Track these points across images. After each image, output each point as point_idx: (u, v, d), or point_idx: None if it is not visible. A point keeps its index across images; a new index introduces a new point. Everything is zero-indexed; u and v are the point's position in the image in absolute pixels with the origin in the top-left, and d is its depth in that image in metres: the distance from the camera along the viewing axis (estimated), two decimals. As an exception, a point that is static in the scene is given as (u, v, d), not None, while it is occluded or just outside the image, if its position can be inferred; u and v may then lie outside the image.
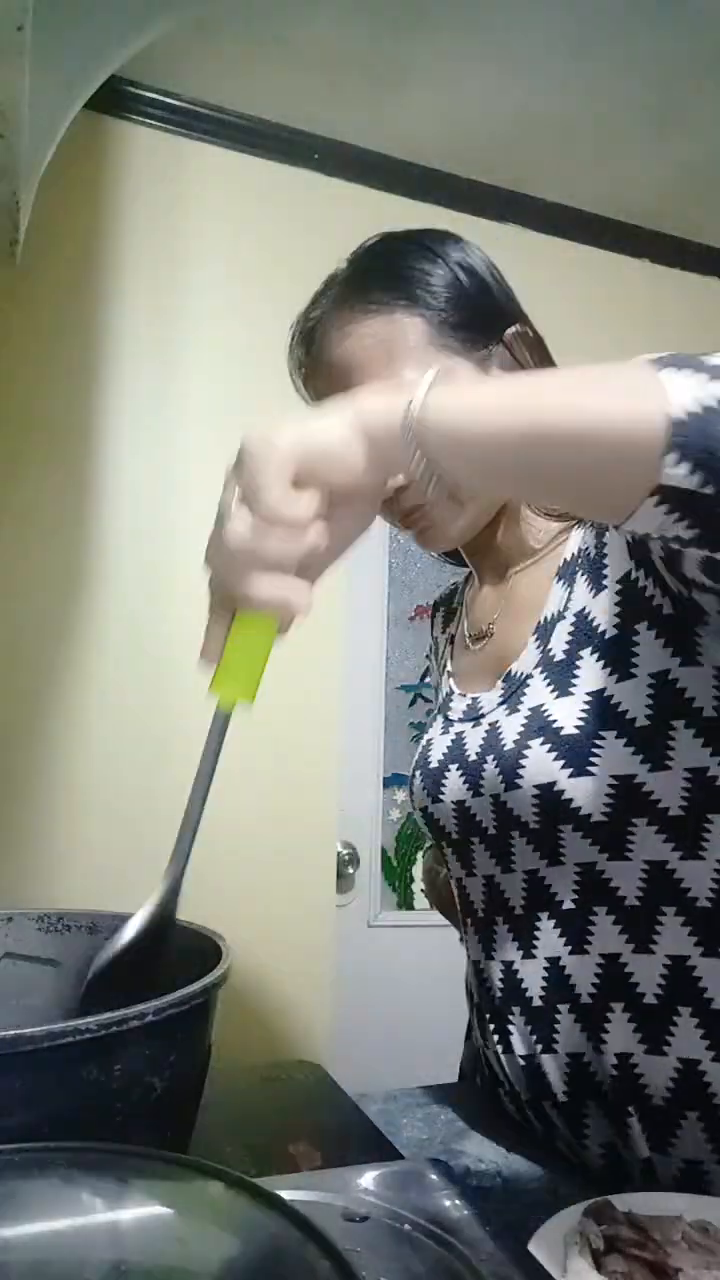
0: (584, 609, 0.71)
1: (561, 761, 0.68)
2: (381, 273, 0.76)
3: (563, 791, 0.67)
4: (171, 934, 0.62)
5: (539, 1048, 0.71)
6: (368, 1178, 0.56)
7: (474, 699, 0.81)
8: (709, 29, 1.58)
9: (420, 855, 1.70)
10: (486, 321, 0.76)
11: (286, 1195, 0.41)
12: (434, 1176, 0.56)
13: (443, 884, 0.98)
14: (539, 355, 0.79)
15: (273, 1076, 0.91)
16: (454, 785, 0.78)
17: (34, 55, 0.96)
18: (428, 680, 2.04)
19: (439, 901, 0.99)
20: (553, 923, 0.71)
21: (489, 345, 0.76)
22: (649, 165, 1.95)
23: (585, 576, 0.72)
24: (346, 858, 1.96)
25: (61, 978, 0.76)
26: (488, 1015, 0.77)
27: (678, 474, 0.43)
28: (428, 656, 1.06)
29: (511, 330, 0.77)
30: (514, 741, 0.72)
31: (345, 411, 0.51)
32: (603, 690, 0.68)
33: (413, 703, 2.09)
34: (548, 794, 0.68)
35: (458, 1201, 0.53)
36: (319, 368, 0.77)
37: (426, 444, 0.49)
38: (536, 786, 0.69)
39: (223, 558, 0.50)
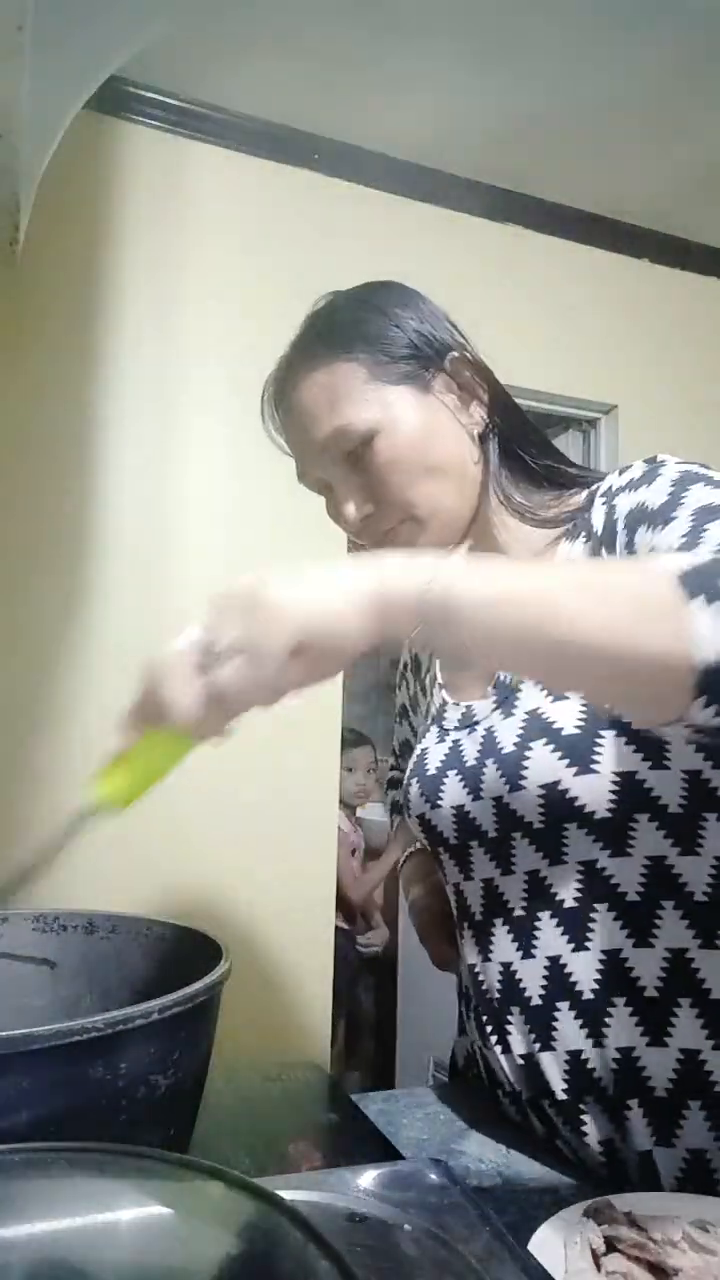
0: None
1: (566, 760, 0.69)
2: (321, 329, 0.81)
3: (567, 790, 0.69)
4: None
5: (537, 1046, 0.72)
6: (368, 1178, 0.56)
7: (468, 707, 0.82)
8: (709, 30, 1.58)
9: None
10: (424, 354, 0.79)
11: (286, 1195, 0.41)
12: (434, 1176, 0.56)
13: (416, 906, 0.98)
14: (480, 375, 0.81)
15: (273, 1076, 0.91)
16: (453, 790, 0.79)
17: (34, 55, 0.96)
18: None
19: (415, 919, 0.99)
20: (554, 921, 0.72)
21: (430, 373, 0.79)
22: (649, 165, 1.95)
23: None
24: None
25: (58, 978, 0.75)
26: (485, 1017, 0.77)
27: (706, 715, 0.47)
28: (403, 675, 1.05)
29: (451, 356, 0.80)
30: (514, 744, 0.73)
31: (362, 580, 0.52)
32: None
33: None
34: (553, 793, 0.70)
35: (458, 1201, 0.53)
36: (286, 421, 0.82)
37: (442, 624, 0.51)
38: (541, 786, 0.70)
39: (185, 684, 0.51)
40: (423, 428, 0.77)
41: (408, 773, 0.87)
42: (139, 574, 1.70)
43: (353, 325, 0.79)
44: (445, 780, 0.80)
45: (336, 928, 1.84)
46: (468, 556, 0.53)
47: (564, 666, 0.53)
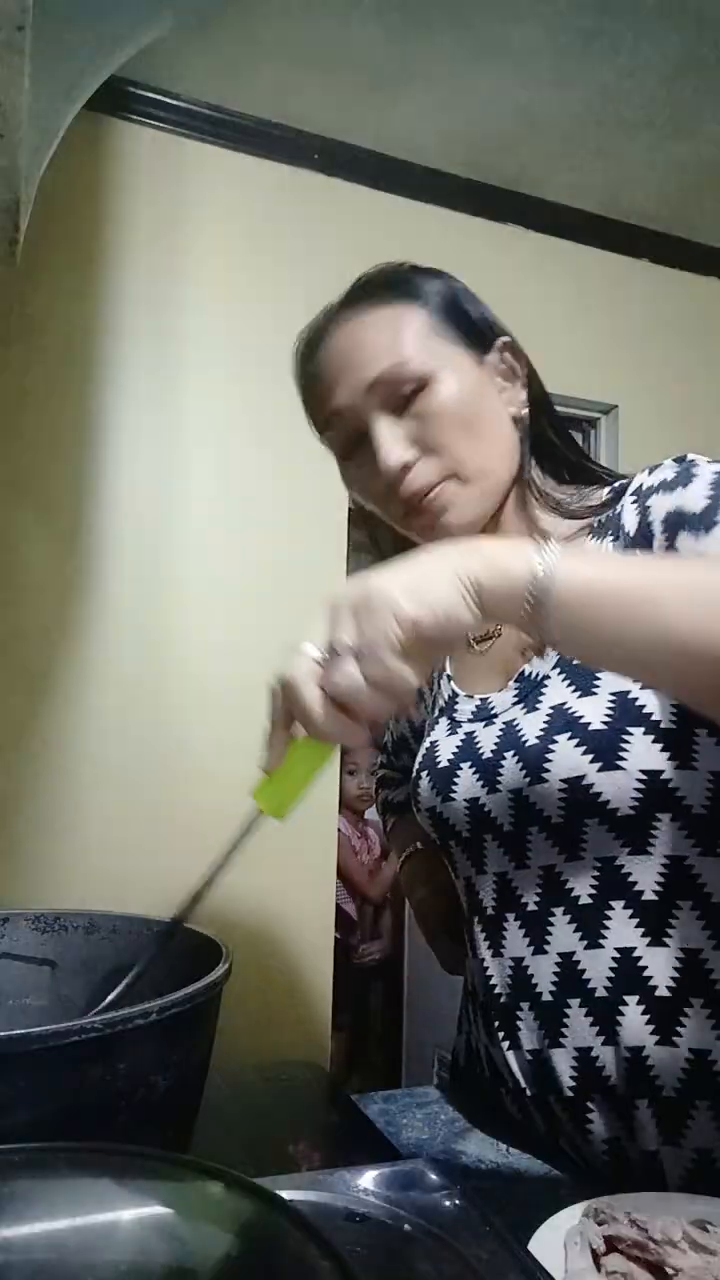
0: None
1: (590, 755, 0.69)
2: (380, 282, 0.80)
3: (591, 785, 0.68)
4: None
5: (546, 1043, 0.72)
6: (368, 1178, 0.56)
7: (483, 700, 0.81)
8: (709, 29, 1.58)
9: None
10: (476, 330, 0.80)
11: (286, 1195, 0.41)
12: (434, 1176, 0.56)
13: (422, 909, 0.98)
14: (525, 365, 0.83)
15: (273, 1076, 0.91)
16: (466, 783, 0.78)
17: (34, 55, 0.96)
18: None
19: (421, 921, 0.98)
20: (568, 918, 0.71)
21: (483, 348, 0.80)
22: (649, 165, 1.95)
23: None
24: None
25: (58, 978, 0.76)
26: (493, 1013, 0.77)
27: None
28: None
29: (502, 340, 0.81)
30: (537, 737, 0.72)
31: (467, 563, 0.52)
32: (627, 692, 0.69)
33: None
34: (575, 787, 0.69)
35: (458, 1201, 0.53)
36: (327, 360, 0.79)
37: (545, 612, 0.51)
38: (564, 780, 0.70)
39: (311, 693, 0.52)
40: (477, 390, 0.77)
41: (416, 766, 0.86)
42: (140, 572, 1.70)
43: (419, 281, 0.80)
44: (459, 773, 0.79)
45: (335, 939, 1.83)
46: (565, 545, 0.53)
47: (660, 662, 0.53)
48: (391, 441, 0.74)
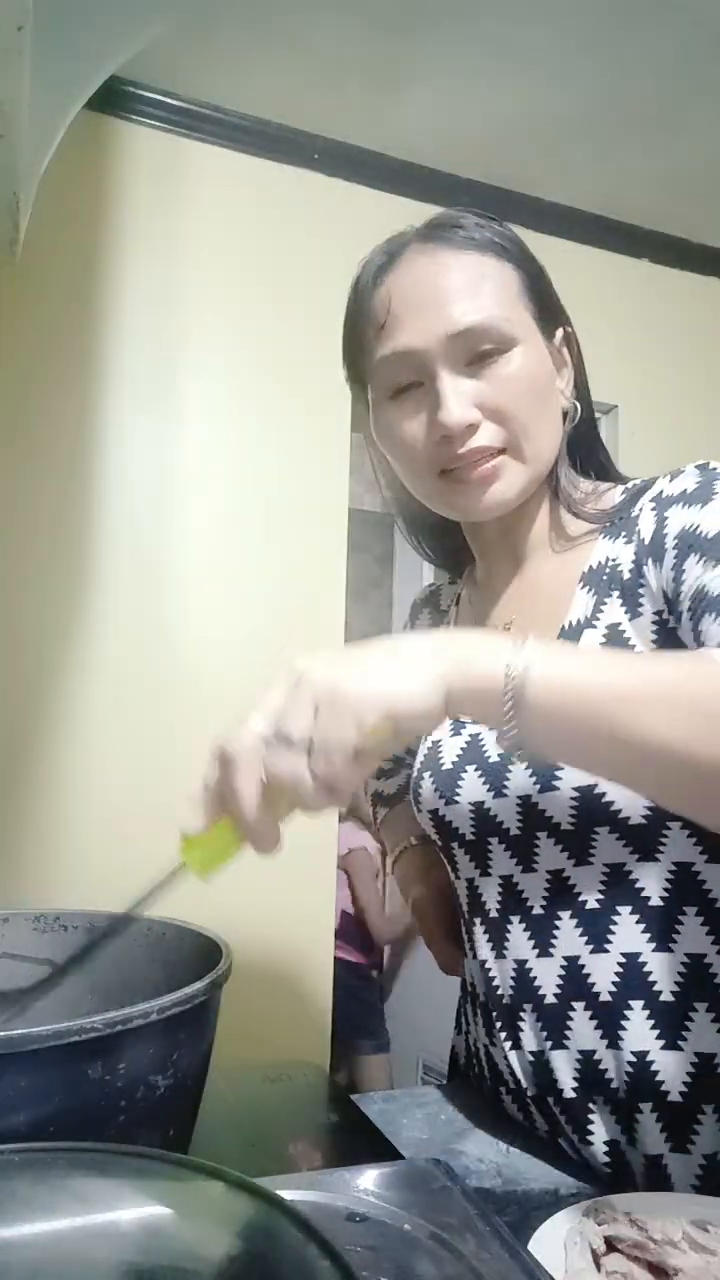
0: (619, 625, 0.71)
1: None
2: (475, 225, 0.78)
3: (604, 794, 0.68)
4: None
5: (549, 1044, 0.72)
6: (368, 1178, 0.56)
7: None
8: (709, 29, 1.58)
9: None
10: (550, 311, 0.78)
11: (286, 1195, 0.41)
12: (434, 1176, 0.56)
13: (419, 908, 0.97)
14: (577, 358, 0.81)
15: (273, 1076, 0.91)
16: (471, 786, 0.78)
17: (34, 55, 0.96)
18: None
19: (418, 921, 0.97)
20: (574, 922, 0.71)
21: (549, 333, 0.78)
22: (649, 165, 1.95)
23: (619, 595, 0.72)
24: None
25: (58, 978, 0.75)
26: (494, 1013, 0.77)
27: None
28: None
29: (566, 328, 0.80)
30: None
31: (437, 663, 0.50)
32: None
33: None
34: (588, 796, 0.69)
35: (458, 1201, 0.53)
36: (398, 300, 0.75)
37: (521, 710, 0.50)
38: (576, 789, 0.69)
39: (248, 784, 0.50)
40: (546, 370, 0.75)
41: (418, 766, 0.85)
42: (139, 574, 1.70)
43: (515, 241, 0.77)
44: (463, 775, 0.79)
45: (348, 962, 1.76)
46: (535, 638, 0.52)
47: (628, 767, 0.53)
48: (459, 396, 0.71)
